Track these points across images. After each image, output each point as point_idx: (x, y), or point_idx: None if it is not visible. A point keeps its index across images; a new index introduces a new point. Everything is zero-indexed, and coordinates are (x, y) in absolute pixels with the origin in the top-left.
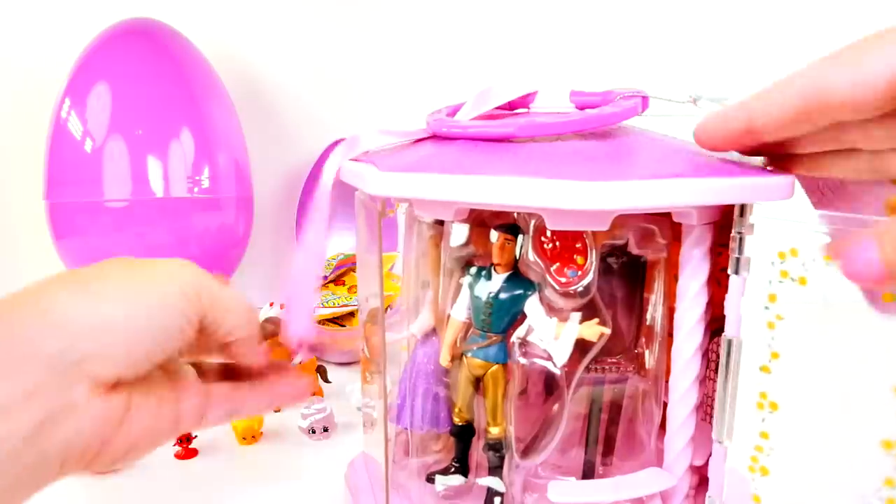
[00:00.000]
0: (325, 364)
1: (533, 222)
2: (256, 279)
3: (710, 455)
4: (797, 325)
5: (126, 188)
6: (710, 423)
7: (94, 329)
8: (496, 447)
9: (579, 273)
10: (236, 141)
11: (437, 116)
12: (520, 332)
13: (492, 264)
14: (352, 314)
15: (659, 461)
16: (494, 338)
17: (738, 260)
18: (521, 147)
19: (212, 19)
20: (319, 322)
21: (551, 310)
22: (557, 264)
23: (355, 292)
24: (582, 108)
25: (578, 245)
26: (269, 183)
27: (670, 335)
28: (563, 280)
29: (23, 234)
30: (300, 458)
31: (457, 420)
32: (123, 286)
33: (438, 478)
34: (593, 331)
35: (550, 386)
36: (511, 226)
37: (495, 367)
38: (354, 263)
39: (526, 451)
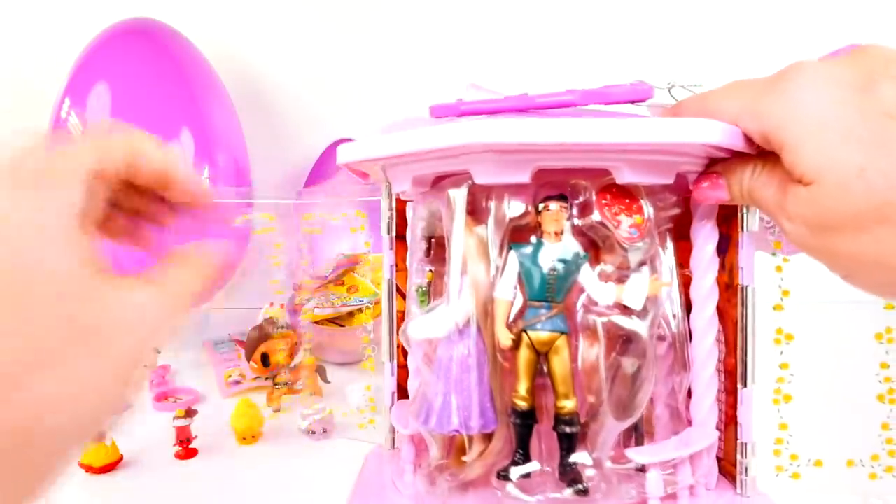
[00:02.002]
0: (324, 364)
1: (595, 185)
2: (256, 279)
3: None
4: (801, 263)
5: None
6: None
7: None
8: (571, 422)
9: (639, 231)
10: (236, 141)
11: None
12: (585, 297)
13: (541, 236)
14: (351, 314)
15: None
16: (558, 307)
17: (744, 217)
18: (551, 114)
19: (212, 19)
20: (319, 322)
21: (604, 275)
22: (620, 224)
23: (355, 292)
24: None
25: (633, 204)
26: (269, 183)
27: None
28: (627, 237)
29: None
30: (299, 458)
31: (522, 405)
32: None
33: (513, 470)
34: (656, 285)
35: (626, 345)
36: (562, 194)
37: (561, 337)
38: (354, 263)
39: (622, 411)
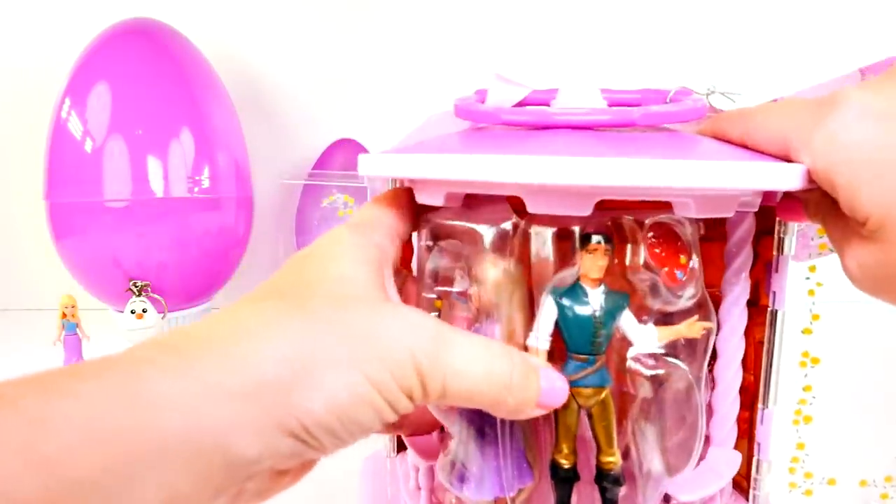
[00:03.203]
0: None
1: (647, 223)
2: (256, 280)
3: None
4: (835, 289)
5: (126, 188)
6: None
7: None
8: (617, 480)
9: (685, 274)
10: (236, 141)
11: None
12: (635, 349)
13: (578, 280)
14: None
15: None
16: (601, 359)
17: (781, 240)
18: (612, 136)
19: (212, 19)
20: None
21: (644, 318)
22: (667, 268)
23: None
24: (614, 106)
25: (680, 244)
26: (269, 183)
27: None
28: (674, 283)
29: (23, 234)
30: None
31: (564, 464)
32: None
33: None
34: (695, 328)
35: (668, 392)
36: (606, 235)
37: (606, 391)
38: None
39: (672, 468)
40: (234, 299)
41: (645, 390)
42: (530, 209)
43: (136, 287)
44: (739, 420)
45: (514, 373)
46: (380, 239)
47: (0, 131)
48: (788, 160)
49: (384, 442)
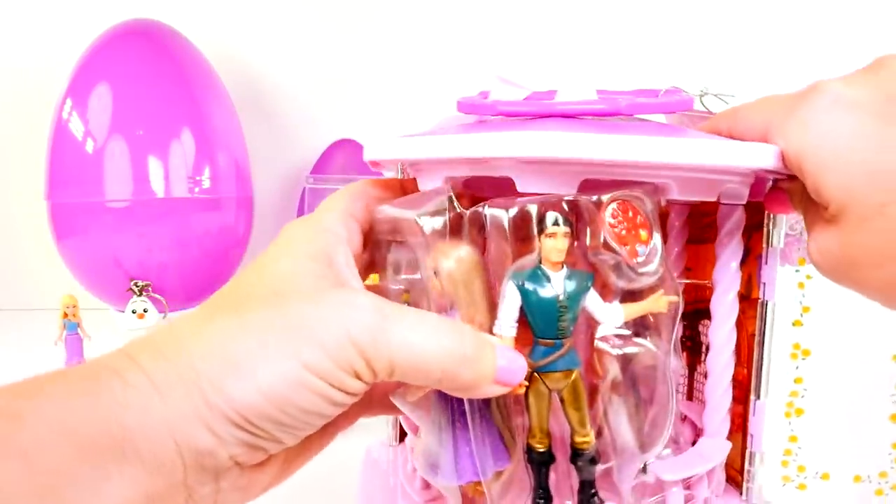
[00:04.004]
0: None
1: (605, 199)
2: None
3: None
4: (826, 281)
5: (127, 188)
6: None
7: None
8: (593, 459)
9: (647, 249)
10: (236, 141)
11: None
12: (602, 328)
13: (539, 264)
14: None
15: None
16: (569, 342)
17: (770, 232)
18: (599, 124)
19: (212, 20)
20: None
21: (609, 295)
22: (629, 246)
23: None
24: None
25: (640, 220)
26: (270, 183)
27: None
28: (638, 260)
29: (24, 235)
30: None
31: (539, 447)
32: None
33: None
34: (661, 302)
35: (639, 369)
36: (564, 217)
37: (575, 373)
38: None
39: (645, 445)
40: None
41: (614, 369)
42: (520, 187)
43: (137, 287)
44: (734, 414)
45: (467, 345)
46: (331, 223)
47: (1, 131)
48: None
49: (387, 432)
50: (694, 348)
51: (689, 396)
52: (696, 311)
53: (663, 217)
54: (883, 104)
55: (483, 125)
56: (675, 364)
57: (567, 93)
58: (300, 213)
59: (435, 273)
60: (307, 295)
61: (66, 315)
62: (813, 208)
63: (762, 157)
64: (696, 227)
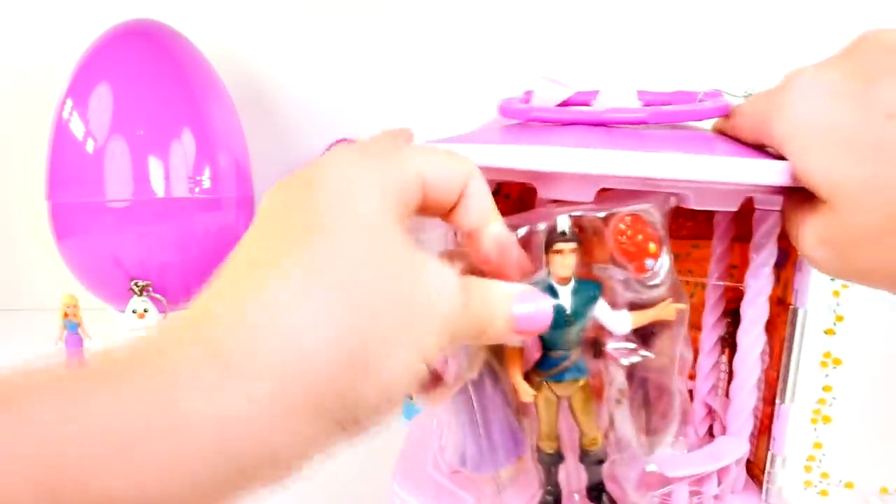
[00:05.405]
0: None
1: (617, 224)
2: None
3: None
4: (861, 291)
5: (127, 188)
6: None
7: None
8: (602, 459)
9: (655, 262)
10: (237, 141)
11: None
12: (609, 337)
13: (548, 279)
14: None
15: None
16: (577, 352)
17: None
18: (624, 132)
19: (212, 20)
20: None
21: (617, 304)
22: (637, 262)
23: None
24: (648, 106)
25: (650, 232)
26: (270, 183)
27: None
28: (646, 274)
29: (24, 235)
30: None
31: (548, 449)
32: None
33: None
34: (669, 310)
35: (645, 375)
36: (573, 234)
37: (583, 380)
38: None
39: (650, 447)
40: None
41: (621, 376)
42: (541, 194)
43: (138, 287)
44: (762, 415)
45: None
46: (399, 174)
47: (2, 132)
48: (764, 145)
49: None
50: (735, 346)
51: (727, 393)
52: (737, 310)
53: (703, 215)
54: (862, 78)
55: (514, 130)
56: (687, 356)
57: (609, 94)
58: None
59: None
60: (408, 262)
61: (66, 315)
62: (807, 205)
63: (770, 175)
64: (744, 224)
